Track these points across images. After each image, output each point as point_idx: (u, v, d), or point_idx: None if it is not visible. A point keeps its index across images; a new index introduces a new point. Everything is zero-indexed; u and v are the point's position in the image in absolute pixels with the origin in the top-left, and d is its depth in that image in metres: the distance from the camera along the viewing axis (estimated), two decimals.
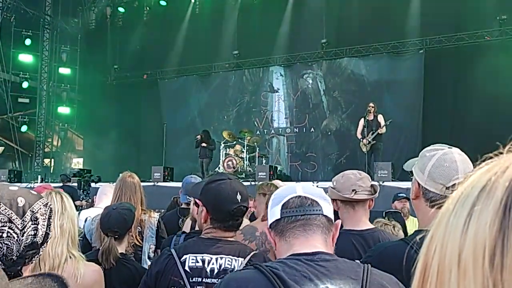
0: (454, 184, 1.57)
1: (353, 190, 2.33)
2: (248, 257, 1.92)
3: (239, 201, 1.97)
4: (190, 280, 1.89)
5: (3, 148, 14.14)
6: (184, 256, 1.93)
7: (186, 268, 1.91)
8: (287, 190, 1.43)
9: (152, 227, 3.27)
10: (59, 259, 1.93)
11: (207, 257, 1.92)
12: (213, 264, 1.90)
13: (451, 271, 0.45)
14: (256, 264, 1.36)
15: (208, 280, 1.88)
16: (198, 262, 1.92)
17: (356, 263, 1.36)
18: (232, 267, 1.89)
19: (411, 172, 1.75)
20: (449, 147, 1.68)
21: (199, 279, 1.89)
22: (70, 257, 2.04)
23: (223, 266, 1.90)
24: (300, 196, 1.39)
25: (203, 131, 12.83)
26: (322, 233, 1.37)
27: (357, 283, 1.26)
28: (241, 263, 1.89)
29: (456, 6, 12.57)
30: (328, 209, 1.40)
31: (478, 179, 0.48)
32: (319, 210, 1.38)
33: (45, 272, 0.81)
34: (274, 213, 1.40)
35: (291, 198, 1.39)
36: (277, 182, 3.66)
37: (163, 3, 16.29)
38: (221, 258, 1.91)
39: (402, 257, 1.54)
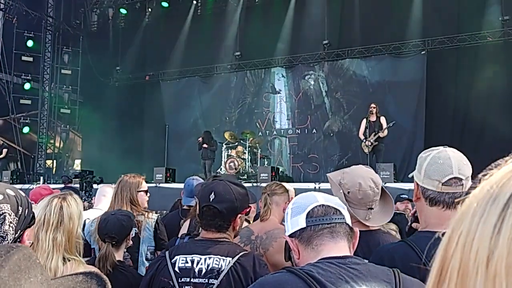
0: (449, 180, 1.59)
1: (369, 208, 2.06)
2: (237, 256, 1.91)
3: (210, 201, 1.94)
4: (179, 281, 1.90)
5: (6, 150, 14.15)
6: (175, 257, 1.95)
7: (176, 268, 1.92)
8: (307, 199, 1.43)
9: (149, 228, 3.21)
10: (52, 275, 1.85)
11: (196, 257, 1.93)
12: (201, 264, 1.91)
13: (478, 273, 0.42)
14: (289, 268, 1.35)
15: (196, 280, 1.90)
16: (187, 262, 1.93)
17: (386, 268, 1.36)
18: (219, 266, 1.89)
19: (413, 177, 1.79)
20: (444, 147, 1.72)
21: (187, 279, 1.90)
22: (69, 260, 2.02)
23: (210, 266, 1.90)
24: (323, 205, 1.40)
25: (205, 132, 12.82)
26: (347, 241, 1.39)
27: (391, 286, 1.27)
28: (229, 262, 1.89)
29: (458, 7, 12.55)
30: (348, 218, 1.42)
31: (506, 178, 0.45)
32: (343, 218, 1.40)
33: (94, 271, 0.80)
34: (298, 222, 1.39)
35: (315, 207, 1.39)
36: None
37: (165, 4, 16.26)
38: (210, 258, 1.92)
39: (401, 258, 1.51)
